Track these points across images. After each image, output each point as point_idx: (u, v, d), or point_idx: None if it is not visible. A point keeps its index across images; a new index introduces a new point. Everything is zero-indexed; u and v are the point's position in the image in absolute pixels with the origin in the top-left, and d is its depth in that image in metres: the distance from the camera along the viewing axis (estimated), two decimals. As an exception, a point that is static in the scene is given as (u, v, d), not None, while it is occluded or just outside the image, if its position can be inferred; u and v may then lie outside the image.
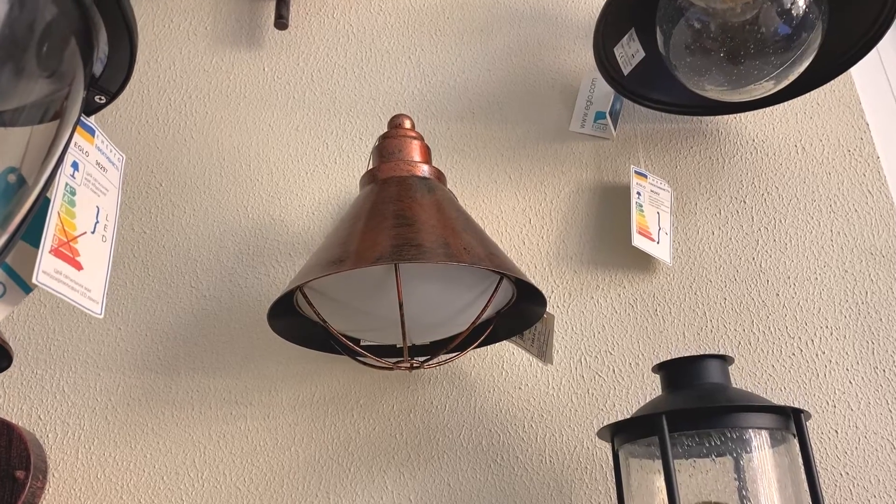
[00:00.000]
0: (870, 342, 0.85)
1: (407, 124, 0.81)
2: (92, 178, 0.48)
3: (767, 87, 0.86)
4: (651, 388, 0.85)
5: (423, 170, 0.76)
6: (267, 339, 0.89)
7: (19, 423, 0.84)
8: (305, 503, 0.80)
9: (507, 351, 0.87)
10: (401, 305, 0.65)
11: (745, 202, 0.94)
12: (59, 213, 0.45)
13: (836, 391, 0.83)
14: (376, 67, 1.05)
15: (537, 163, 0.99)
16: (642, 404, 0.83)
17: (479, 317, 0.71)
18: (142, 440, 0.83)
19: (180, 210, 0.96)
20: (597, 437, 0.82)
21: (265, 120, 1.01)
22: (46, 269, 0.43)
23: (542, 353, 0.80)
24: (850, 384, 0.84)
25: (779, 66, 0.83)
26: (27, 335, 0.89)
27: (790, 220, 0.92)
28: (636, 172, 0.95)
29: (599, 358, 0.86)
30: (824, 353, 0.85)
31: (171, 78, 1.05)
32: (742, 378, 0.85)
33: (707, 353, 0.73)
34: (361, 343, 0.77)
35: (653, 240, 0.91)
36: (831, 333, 0.86)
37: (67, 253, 0.45)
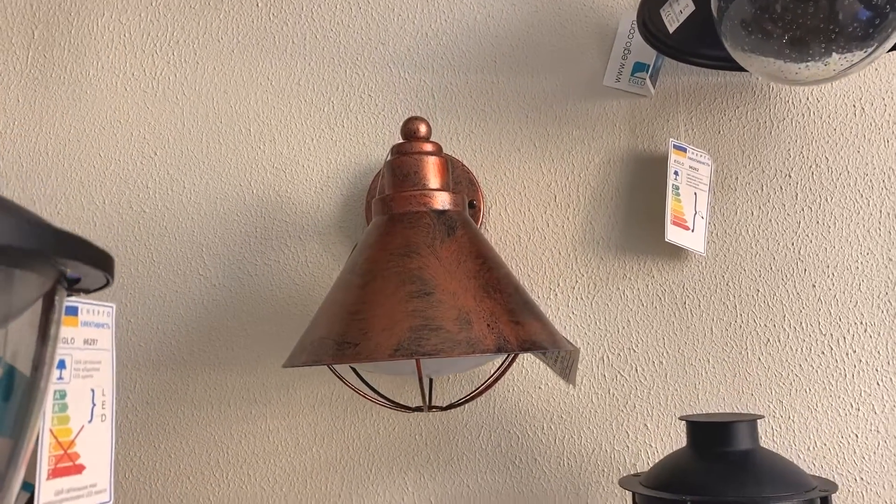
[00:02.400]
0: (904, 340, 0.83)
1: (422, 131, 0.72)
2: (81, 364, 0.43)
3: (831, 74, 0.75)
4: (673, 390, 0.82)
5: (442, 200, 0.68)
6: (281, 333, 0.86)
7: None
8: (329, 503, 0.83)
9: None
10: (420, 380, 0.62)
11: (790, 176, 0.86)
12: (50, 431, 0.42)
13: (862, 393, 0.82)
14: (384, 3, 0.91)
15: (565, 126, 0.89)
16: (667, 413, 0.81)
17: (502, 373, 0.69)
18: (164, 441, 0.84)
19: (179, 185, 0.90)
20: (615, 441, 0.83)
21: (262, 72, 0.90)
22: (47, 498, 0.40)
23: (566, 374, 0.77)
24: (877, 386, 0.82)
25: (853, 58, 0.71)
26: None
27: (837, 198, 0.85)
28: (675, 147, 0.87)
29: (622, 356, 0.84)
30: (855, 351, 0.82)
31: (154, 17, 0.92)
32: (767, 379, 0.82)
33: (736, 416, 0.68)
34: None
35: (687, 228, 0.85)
36: (865, 331, 0.83)
37: (66, 464, 0.42)
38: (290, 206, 0.87)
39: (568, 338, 0.84)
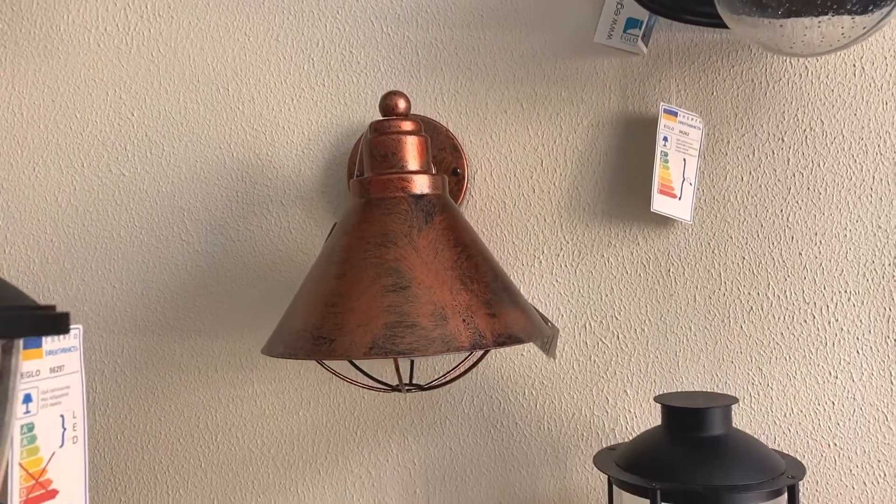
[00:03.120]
0: (887, 309, 0.82)
1: (401, 107, 0.69)
2: (49, 393, 0.43)
3: (826, 48, 0.71)
4: (654, 358, 0.83)
5: (421, 184, 0.66)
6: (265, 300, 0.85)
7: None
8: (316, 465, 0.85)
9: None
10: (397, 368, 0.62)
11: (783, 140, 0.84)
12: (20, 465, 0.42)
13: (842, 361, 0.82)
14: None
15: (554, 86, 0.86)
16: (647, 380, 0.83)
17: (480, 358, 0.70)
18: (154, 404, 0.86)
19: (158, 147, 0.87)
20: (594, 406, 0.84)
21: (239, 27, 0.86)
22: (19, 532, 0.41)
23: (546, 349, 0.77)
24: (856, 354, 0.82)
25: (850, 33, 0.68)
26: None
27: (830, 164, 0.83)
28: (665, 111, 0.84)
29: (604, 323, 0.84)
30: (837, 320, 0.82)
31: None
32: (748, 347, 0.82)
33: (711, 399, 0.68)
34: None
35: (674, 196, 0.83)
36: (849, 299, 0.82)
37: (39, 492, 0.42)
38: (272, 170, 0.85)
39: (551, 305, 0.84)
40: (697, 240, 0.83)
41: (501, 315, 0.62)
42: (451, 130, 0.84)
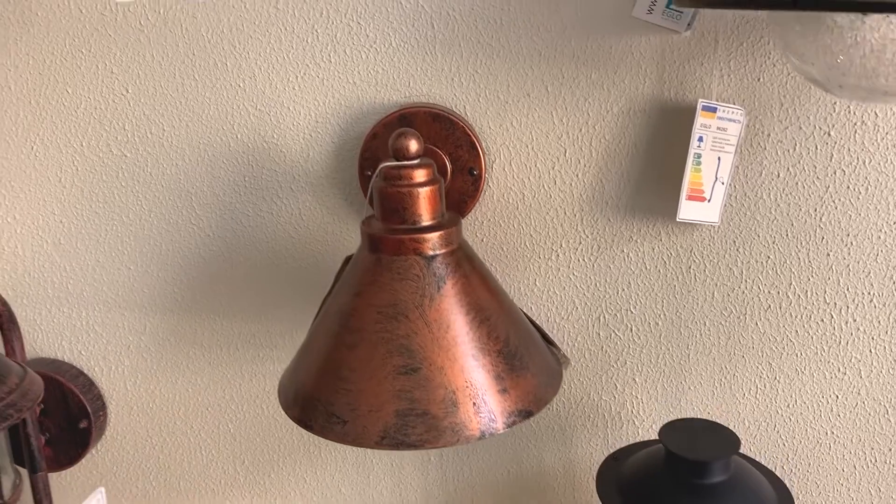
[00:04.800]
0: (908, 311, 0.79)
1: (413, 149, 0.62)
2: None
3: None
4: (665, 350, 0.80)
5: (433, 244, 0.62)
6: (281, 286, 0.81)
7: (65, 359, 0.88)
8: (337, 433, 0.89)
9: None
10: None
11: (829, 134, 0.75)
12: None
13: (852, 359, 0.81)
14: None
15: (583, 67, 0.76)
16: (657, 370, 0.83)
17: None
18: (180, 378, 0.88)
19: (158, 127, 0.81)
20: (603, 391, 0.86)
21: (235, -8, 0.75)
22: None
23: (557, 359, 0.77)
24: (869, 353, 0.81)
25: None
26: (40, 273, 0.86)
27: (876, 161, 0.76)
28: (704, 108, 0.75)
29: (619, 316, 0.83)
30: (855, 321, 0.80)
31: None
32: (760, 343, 0.79)
33: (714, 439, 0.67)
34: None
35: (703, 199, 0.77)
36: (871, 301, 0.79)
37: None
38: (279, 155, 0.80)
39: (566, 298, 0.82)
40: (723, 238, 0.79)
41: (513, 388, 0.62)
42: (467, 125, 0.77)
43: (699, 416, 0.83)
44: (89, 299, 0.83)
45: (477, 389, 0.59)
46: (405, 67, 0.75)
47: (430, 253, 0.61)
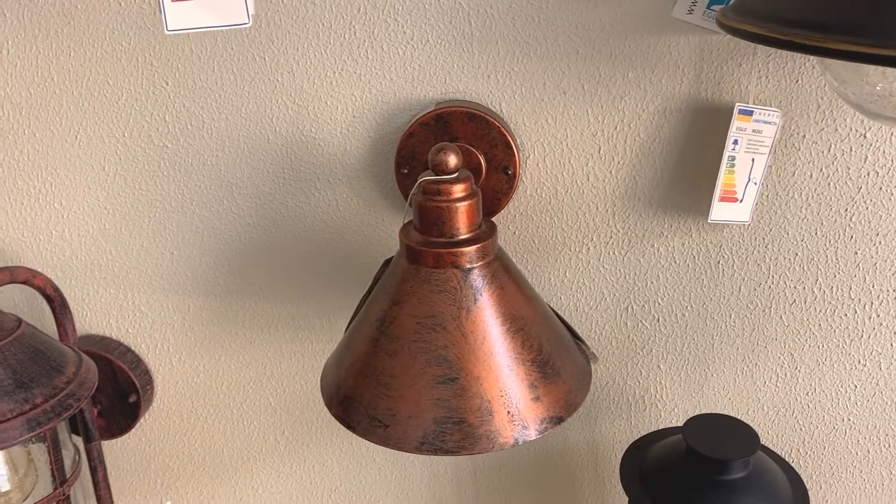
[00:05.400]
0: (932, 308, 0.81)
1: (452, 164, 0.63)
2: None
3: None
4: (691, 340, 0.83)
5: (470, 257, 0.64)
6: (319, 273, 0.84)
7: (112, 336, 0.92)
8: (371, 408, 0.93)
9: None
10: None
11: (865, 136, 0.75)
12: None
13: (874, 352, 0.83)
14: None
15: (621, 66, 0.76)
16: (681, 358, 0.85)
17: None
18: (223, 355, 0.91)
19: (198, 119, 0.82)
20: (628, 376, 0.89)
21: (272, -15, 0.75)
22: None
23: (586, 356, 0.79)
24: (890, 346, 0.82)
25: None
26: (87, 255, 0.88)
27: (912, 163, 0.76)
28: (740, 112, 0.74)
29: (646, 308, 0.84)
30: (878, 315, 0.81)
31: None
32: (783, 335, 0.81)
33: (735, 439, 0.69)
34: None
35: (735, 199, 0.78)
36: (895, 297, 0.81)
37: None
38: (317, 148, 0.81)
39: (595, 289, 0.84)
40: (752, 235, 0.80)
41: (545, 395, 0.65)
42: (504, 119, 0.77)
43: (721, 401, 0.86)
44: (134, 281, 0.87)
45: (511, 398, 0.62)
46: (442, 64, 0.75)
47: (468, 266, 0.63)
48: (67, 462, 0.77)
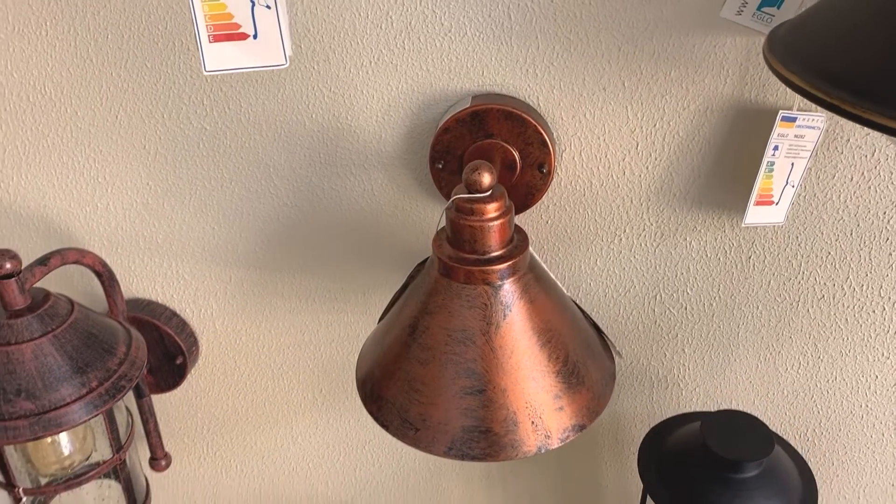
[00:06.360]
0: (962, 308, 0.80)
1: (486, 183, 0.63)
2: None
3: None
4: (717, 328, 0.84)
5: (501, 274, 0.65)
6: (354, 252, 0.87)
7: (158, 300, 0.96)
8: (404, 374, 0.97)
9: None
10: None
11: None
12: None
13: (895, 344, 0.84)
14: None
15: (663, 64, 0.73)
16: (705, 343, 0.87)
17: None
18: (264, 322, 0.95)
19: (235, 104, 0.81)
20: (652, 357, 0.91)
21: (308, -26, 0.72)
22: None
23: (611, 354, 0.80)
24: None
25: None
26: (132, 227, 0.91)
27: (958, 170, 0.73)
28: (783, 119, 0.72)
29: (675, 296, 0.85)
30: None
31: None
32: (808, 326, 0.83)
33: (750, 436, 0.73)
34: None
35: (771, 203, 0.76)
36: None
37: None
38: (352, 135, 0.81)
39: (625, 278, 0.85)
40: (786, 233, 0.79)
41: (569, 405, 0.68)
42: (541, 114, 0.76)
43: (741, 384, 0.88)
44: (177, 252, 0.90)
45: (535, 409, 0.65)
46: (479, 57, 0.74)
47: (498, 283, 0.65)
48: (122, 429, 0.82)
